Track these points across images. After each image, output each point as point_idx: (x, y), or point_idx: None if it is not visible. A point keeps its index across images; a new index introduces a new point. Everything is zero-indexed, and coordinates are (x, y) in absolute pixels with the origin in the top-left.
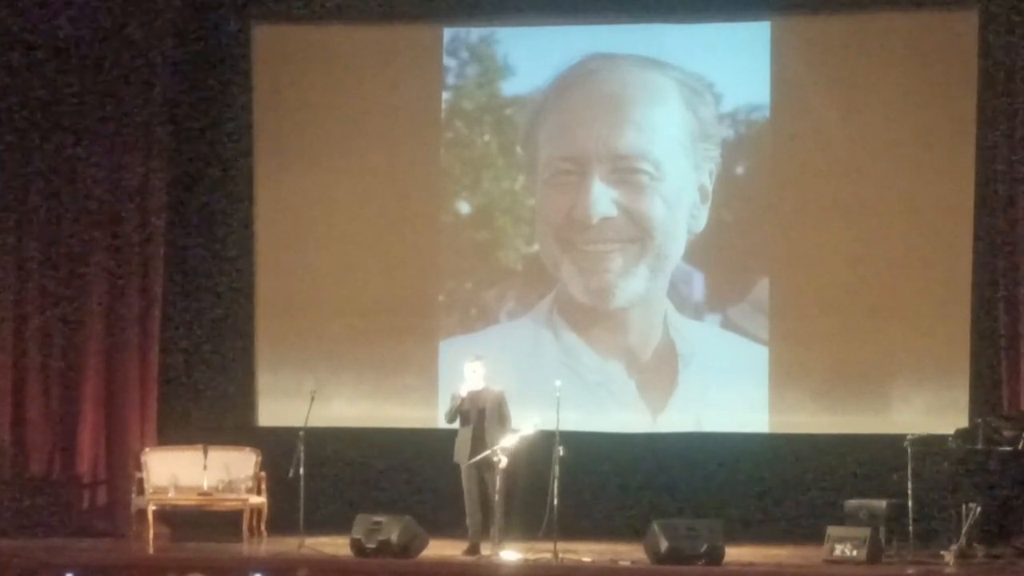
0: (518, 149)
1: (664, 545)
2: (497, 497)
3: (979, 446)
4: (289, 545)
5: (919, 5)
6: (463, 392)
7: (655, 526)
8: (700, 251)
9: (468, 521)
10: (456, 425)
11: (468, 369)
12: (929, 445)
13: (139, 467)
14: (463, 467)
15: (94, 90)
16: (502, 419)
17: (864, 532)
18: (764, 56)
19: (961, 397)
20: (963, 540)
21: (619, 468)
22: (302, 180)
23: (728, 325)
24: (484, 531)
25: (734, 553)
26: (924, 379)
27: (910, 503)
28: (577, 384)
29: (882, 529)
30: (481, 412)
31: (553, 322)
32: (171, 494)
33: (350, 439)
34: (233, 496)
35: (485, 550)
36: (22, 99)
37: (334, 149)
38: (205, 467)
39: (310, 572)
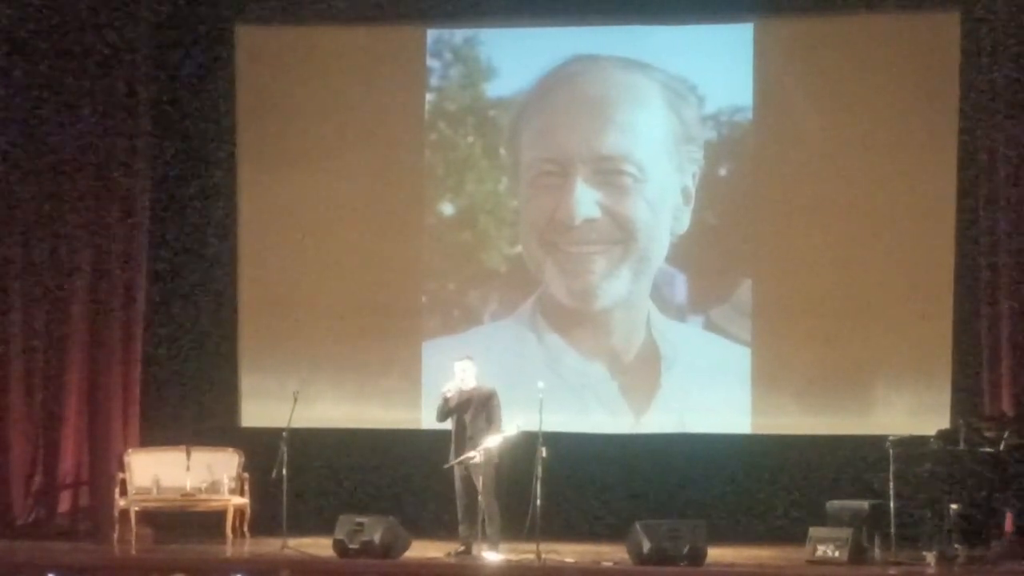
0: (502, 151)
1: (646, 546)
2: (480, 498)
3: (961, 447)
4: (272, 546)
5: (901, 7)
6: (452, 391)
7: (637, 527)
8: (683, 253)
9: (460, 522)
10: (448, 425)
11: (458, 368)
12: (911, 446)
13: (122, 468)
14: (454, 467)
15: (76, 91)
16: (488, 418)
17: (846, 533)
18: (747, 58)
19: (943, 398)
20: (944, 541)
21: (602, 469)
22: (285, 181)
23: (711, 327)
24: (474, 533)
25: (716, 554)
26: (906, 380)
27: (892, 504)
28: (560, 385)
29: (864, 530)
30: (466, 412)
31: (536, 323)
32: (154, 495)
33: (333, 440)
34: (216, 497)
35: (476, 552)
36: (2, 100)
37: (317, 150)
38: (188, 468)
39: (293, 573)
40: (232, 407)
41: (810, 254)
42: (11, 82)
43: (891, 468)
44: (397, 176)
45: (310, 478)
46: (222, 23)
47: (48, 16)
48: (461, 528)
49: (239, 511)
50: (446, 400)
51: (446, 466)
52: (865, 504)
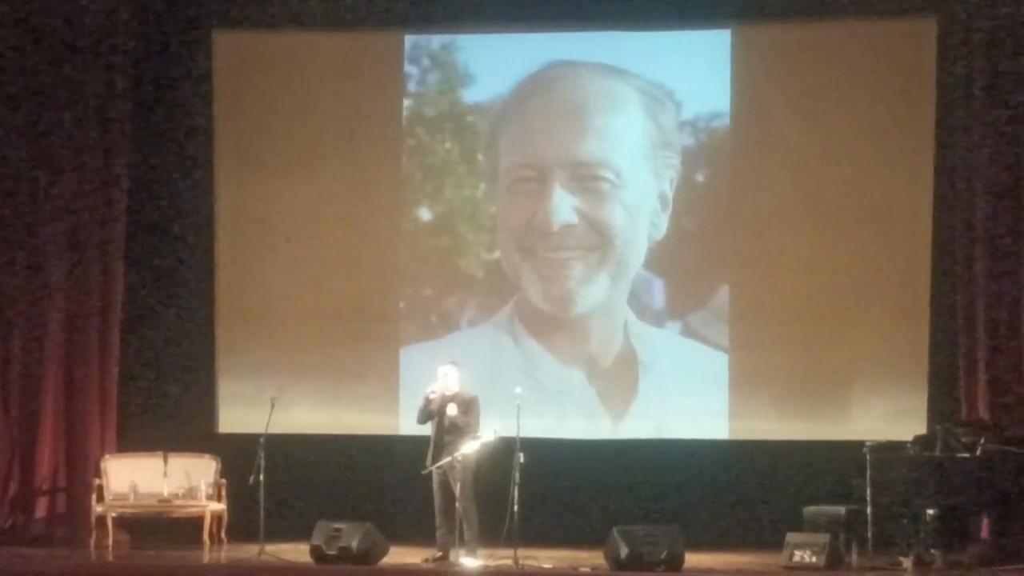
0: (479, 156)
1: (624, 551)
2: (458, 504)
3: (937, 453)
4: (249, 552)
5: (879, 13)
6: (436, 393)
7: (615, 532)
8: (660, 258)
9: (437, 528)
10: (427, 430)
11: (441, 372)
12: (888, 452)
13: (99, 474)
14: (432, 473)
15: (54, 96)
16: (466, 424)
17: (823, 538)
18: (724, 64)
19: (920, 404)
20: (921, 546)
21: (580, 475)
22: (263, 187)
23: (688, 332)
24: (452, 538)
25: (694, 559)
26: (883, 386)
27: (869, 509)
28: (538, 391)
29: (841, 535)
30: (444, 417)
31: (514, 329)
32: (131, 501)
33: (311, 446)
34: (193, 503)
35: (454, 557)
36: None
37: (295, 156)
38: (165, 474)
39: None
40: (209, 413)
41: (787, 260)
42: None
43: (868, 473)
44: (375, 182)
45: (287, 484)
46: (200, 29)
47: (26, 22)
48: (439, 534)
49: (216, 517)
50: (429, 401)
51: (424, 471)
52: (842, 509)
